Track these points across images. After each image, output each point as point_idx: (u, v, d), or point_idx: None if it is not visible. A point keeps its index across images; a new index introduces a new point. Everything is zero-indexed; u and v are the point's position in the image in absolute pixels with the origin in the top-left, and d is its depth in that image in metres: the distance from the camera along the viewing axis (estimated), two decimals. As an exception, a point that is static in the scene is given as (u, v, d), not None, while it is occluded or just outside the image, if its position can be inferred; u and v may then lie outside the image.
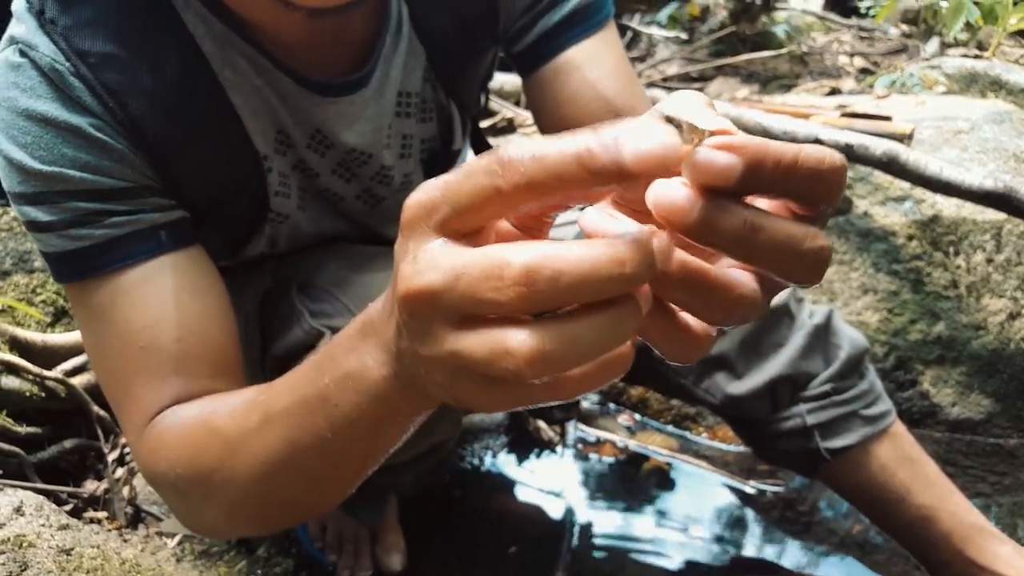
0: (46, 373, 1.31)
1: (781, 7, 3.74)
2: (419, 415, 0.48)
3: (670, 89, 2.94)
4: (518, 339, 0.34)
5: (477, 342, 0.35)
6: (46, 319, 1.47)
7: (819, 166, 0.34)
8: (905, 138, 1.51)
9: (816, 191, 0.35)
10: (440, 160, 0.97)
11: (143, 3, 0.70)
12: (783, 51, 3.13)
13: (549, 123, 0.91)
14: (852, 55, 3.64)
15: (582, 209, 0.40)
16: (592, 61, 0.87)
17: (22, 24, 0.69)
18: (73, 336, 1.42)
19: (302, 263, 0.92)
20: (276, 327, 0.88)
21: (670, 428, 1.48)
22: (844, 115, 1.61)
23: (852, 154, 1.45)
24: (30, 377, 1.30)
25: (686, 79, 3.13)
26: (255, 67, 0.76)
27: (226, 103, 0.76)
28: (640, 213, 0.40)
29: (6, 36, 0.71)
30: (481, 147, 1.12)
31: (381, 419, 0.48)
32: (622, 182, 0.32)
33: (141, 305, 0.70)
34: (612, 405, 1.53)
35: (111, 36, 0.69)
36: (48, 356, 1.37)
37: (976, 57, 3.33)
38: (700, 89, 3.08)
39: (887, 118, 1.61)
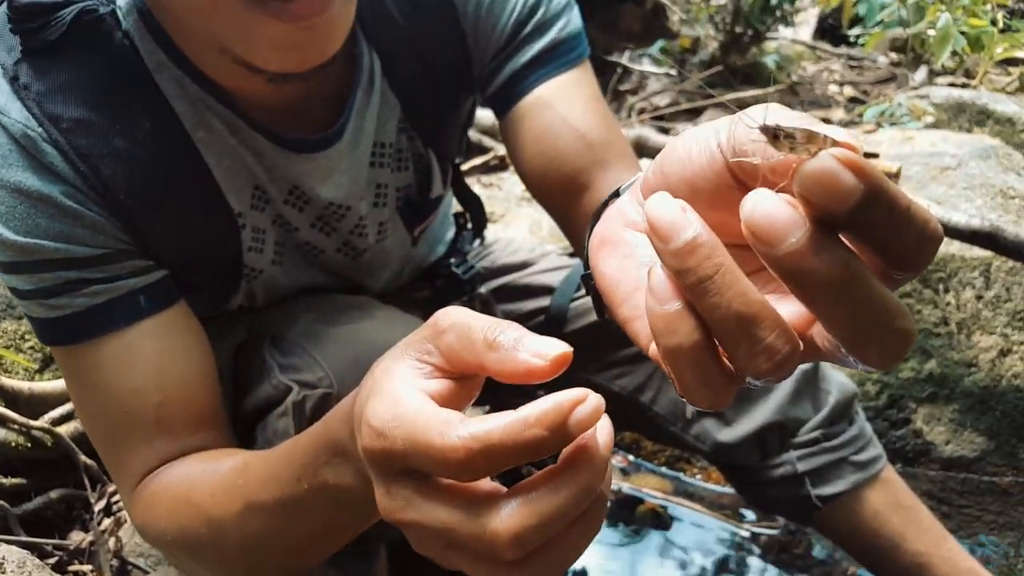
0: (33, 423, 1.30)
1: (771, 36, 3.78)
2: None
3: (662, 123, 2.96)
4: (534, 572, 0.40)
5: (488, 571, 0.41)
6: (34, 366, 1.46)
7: (925, 226, 0.32)
8: (892, 176, 1.51)
9: (911, 252, 0.32)
10: (417, 207, 0.96)
11: (117, 67, 0.71)
12: (771, 89, 3.15)
13: (524, 159, 0.88)
14: (842, 84, 3.67)
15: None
16: (563, 97, 0.86)
17: None
18: (60, 383, 1.41)
19: (275, 316, 0.91)
20: (249, 381, 0.88)
21: (664, 470, 1.47)
22: (831, 153, 1.61)
23: (839, 193, 1.45)
24: (16, 427, 1.29)
25: (678, 111, 3.15)
26: (229, 127, 0.76)
27: (200, 163, 0.76)
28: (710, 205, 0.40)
29: None
30: (463, 192, 1.12)
31: (361, 518, 0.53)
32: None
33: (124, 371, 0.71)
34: (604, 446, 1.52)
35: (84, 100, 0.69)
36: (36, 404, 1.36)
37: (964, 85, 3.37)
38: (689, 120, 3.11)
39: (875, 155, 1.61)
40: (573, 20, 0.88)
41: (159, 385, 0.71)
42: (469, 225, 1.17)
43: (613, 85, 2.75)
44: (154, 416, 0.71)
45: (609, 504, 1.39)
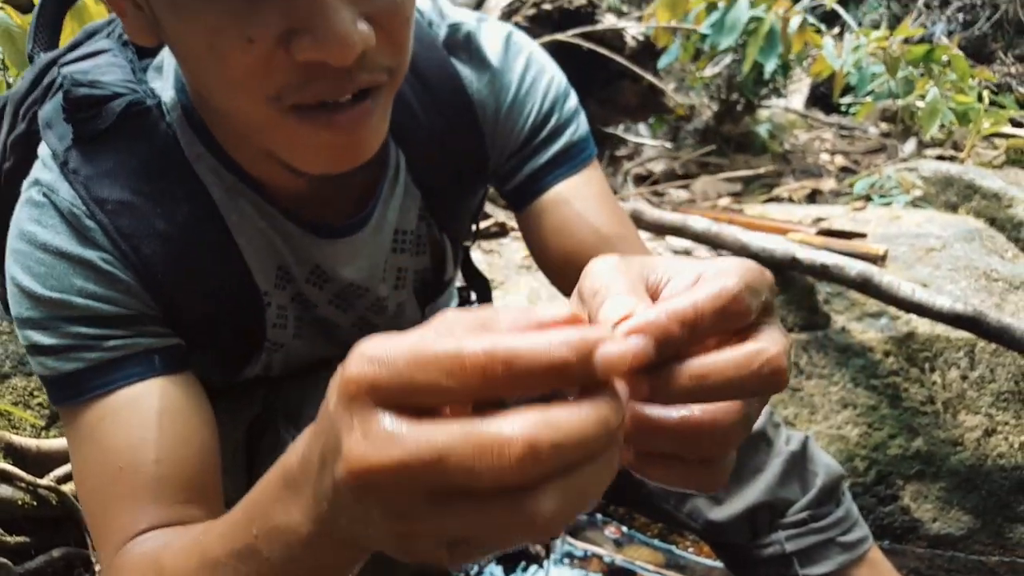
0: (39, 482, 1.33)
1: (765, 105, 3.89)
2: (355, 564, 0.48)
3: (657, 190, 3.04)
4: (544, 508, 0.35)
5: (486, 518, 0.35)
6: (40, 422, 1.49)
7: (717, 303, 0.39)
8: (879, 259, 1.58)
9: (731, 320, 0.39)
10: (432, 287, 1.02)
11: (158, 155, 0.76)
12: (761, 170, 3.23)
13: (543, 251, 0.95)
14: (833, 153, 3.77)
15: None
16: (578, 195, 0.92)
17: (47, 170, 0.75)
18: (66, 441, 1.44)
19: (291, 392, 0.95)
20: (263, 455, 0.91)
21: (656, 542, 1.50)
22: (820, 233, 1.68)
23: (828, 274, 1.51)
24: (23, 485, 1.32)
25: (672, 177, 3.23)
26: (261, 213, 0.81)
27: (232, 244, 0.81)
28: None
29: (31, 178, 0.76)
30: (471, 272, 1.17)
31: (314, 569, 0.47)
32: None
33: (125, 425, 0.72)
34: (599, 516, 1.55)
35: (128, 185, 0.74)
36: (42, 462, 1.39)
37: (952, 158, 3.47)
38: (685, 187, 3.19)
39: (862, 235, 1.68)
40: (582, 124, 0.94)
41: (158, 443, 0.72)
42: (473, 299, 1.21)
43: (610, 152, 2.83)
44: (149, 477, 0.71)
45: None
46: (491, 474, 0.34)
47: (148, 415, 0.72)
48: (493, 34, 0.89)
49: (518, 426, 0.34)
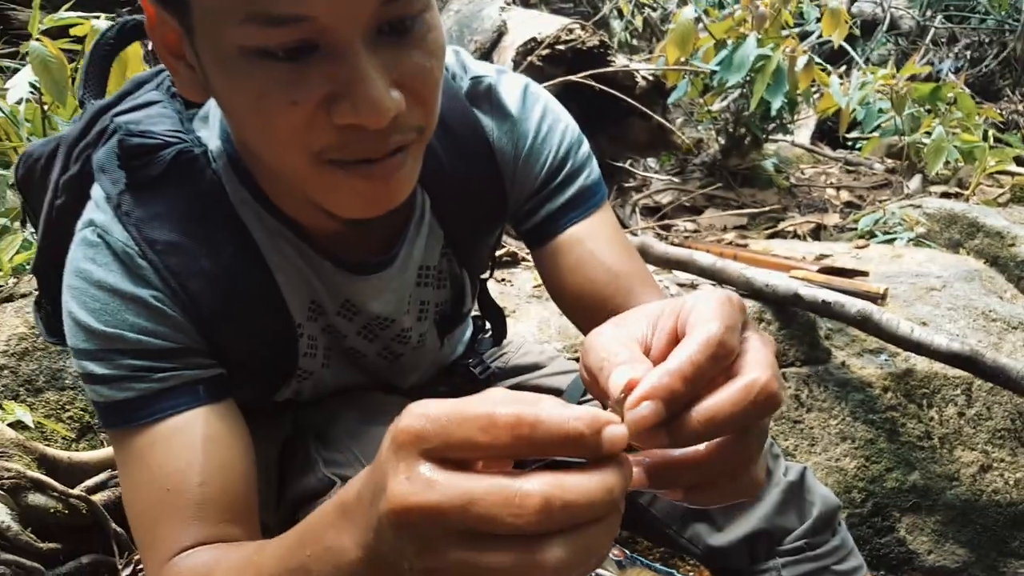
0: (71, 492, 1.39)
1: (773, 139, 3.96)
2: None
3: (665, 221, 3.11)
4: (552, 556, 0.41)
5: (503, 559, 0.42)
6: (71, 435, 1.56)
7: (708, 351, 0.46)
8: (879, 297, 1.63)
9: (722, 361, 0.46)
10: (451, 319, 1.08)
11: (205, 200, 0.82)
12: (766, 205, 3.29)
13: (559, 287, 1.01)
14: (839, 188, 3.83)
15: None
16: (592, 235, 0.99)
17: (100, 212, 0.81)
18: (96, 454, 1.51)
19: (319, 413, 1.01)
20: (293, 473, 0.97)
21: (658, 566, 1.55)
22: (823, 270, 1.74)
23: (829, 310, 1.57)
24: (55, 495, 1.38)
25: (680, 208, 3.30)
26: (299, 252, 0.88)
27: (271, 282, 0.87)
28: None
29: (85, 218, 0.82)
30: (487, 303, 1.24)
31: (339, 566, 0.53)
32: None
33: (173, 451, 0.78)
34: (603, 538, 1.60)
35: (176, 227, 0.80)
36: (73, 472, 1.45)
37: (957, 195, 3.53)
38: (691, 218, 3.26)
39: (864, 273, 1.74)
40: (594, 169, 1.01)
41: (203, 468, 0.78)
42: (487, 327, 1.28)
43: (619, 184, 2.90)
44: (194, 498, 0.77)
45: (606, 596, 1.46)
46: (510, 521, 0.40)
47: (193, 442, 0.78)
48: (512, 86, 0.96)
49: (537, 484, 0.41)
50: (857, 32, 4.44)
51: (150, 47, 0.81)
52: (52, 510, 1.38)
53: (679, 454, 0.49)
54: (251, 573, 0.65)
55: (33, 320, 1.62)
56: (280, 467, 1.01)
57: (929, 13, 5.48)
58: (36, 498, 1.37)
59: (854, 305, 1.55)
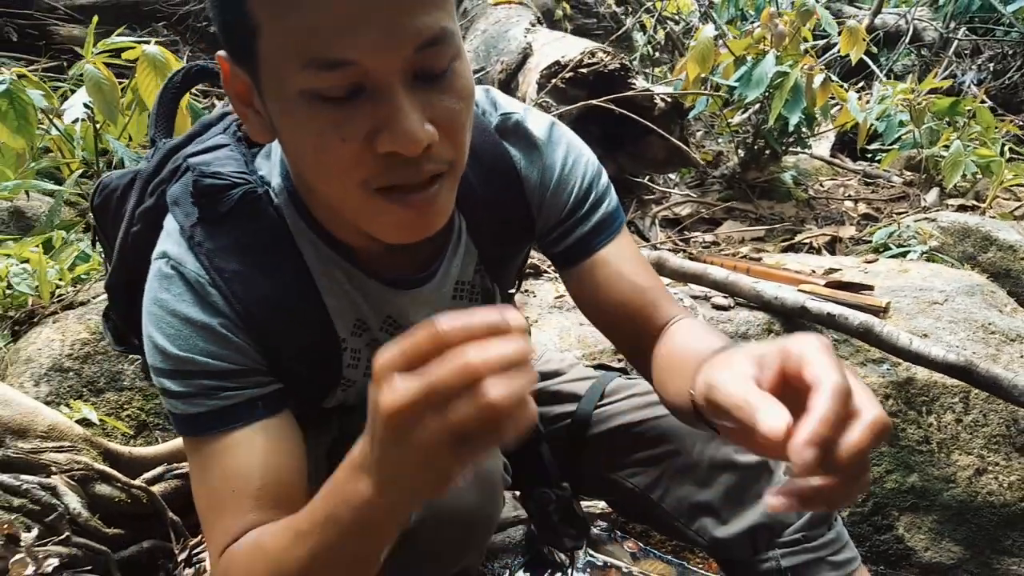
0: (132, 482, 1.53)
1: (792, 151, 4.04)
2: (401, 519, 0.72)
3: (684, 233, 3.21)
4: (496, 391, 0.58)
5: (466, 408, 0.58)
6: (130, 431, 1.70)
7: (844, 399, 0.62)
8: (881, 311, 1.73)
9: (848, 406, 0.63)
10: None
11: (266, 234, 0.94)
12: (784, 217, 3.37)
13: (590, 305, 1.15)
14: (856, 201, 3.90)
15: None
16: (617, 257, 1.11)
17: (174, 244, 0.93)
18: (153, 449, 1.65)
19: (362, 419, 1.13)
20: None
21: (670, 558, 1.66)
22: (829, 284, 1.84)
23: (834, 323, 1.67)
24: (119, 485, 1.52)
25: (699, 220, 3.40)
26: (347, 276, 1.00)
27: (320, 304, 0.99)
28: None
29: (160, 250, 0.94)
30: None
31: (374, 523, 0.71)
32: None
33: (236, 460, 0.91)
34: (619, 533, 1.72)
35: (241, 257, 0.92)
36: (134, 466, 1.59)
37: (973, 208, 3.58)
38: (710, 230, 3.35)
39: (870, 287, 1.84)
40: (614, 196, 1.13)
41: (262, 473, 0.91)
42: None
43: (638, 197, 3.01)
44: (253, 495, 0.90)
45: (621, 586, 1.57)
46: (460, 380, 0.57)
47: (254, 452, 0.91)
48: (538, 122, 1.08)
49: (471, 353, 0.58)
50: (875, 49, 4.49)
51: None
52: (116, 499, 1.52)
53: (824, 481, 0.63)
54: (291, 534, 0.80)
55: (95, 326, 1.77)
56: (328, 466, 1.13)
57: (953, 25, 5.52)
58: (102, 488, 1.51)
59: (857, 318, 1.65)
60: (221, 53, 0.82)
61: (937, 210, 3.48)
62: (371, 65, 0.71)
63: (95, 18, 2.44)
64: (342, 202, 0.82)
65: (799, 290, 1.81)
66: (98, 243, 1.21)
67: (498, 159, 1.06)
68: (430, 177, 0.80)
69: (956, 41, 5.34)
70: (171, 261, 0.92)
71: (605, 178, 1.13)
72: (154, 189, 1.01)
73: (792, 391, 0.66)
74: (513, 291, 1.30)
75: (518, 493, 1.38)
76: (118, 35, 2.36)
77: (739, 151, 3.74)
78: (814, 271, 2.02)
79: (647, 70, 4.49)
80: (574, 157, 1.09)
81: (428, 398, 0.59)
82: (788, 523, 1.26)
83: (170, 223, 0.95)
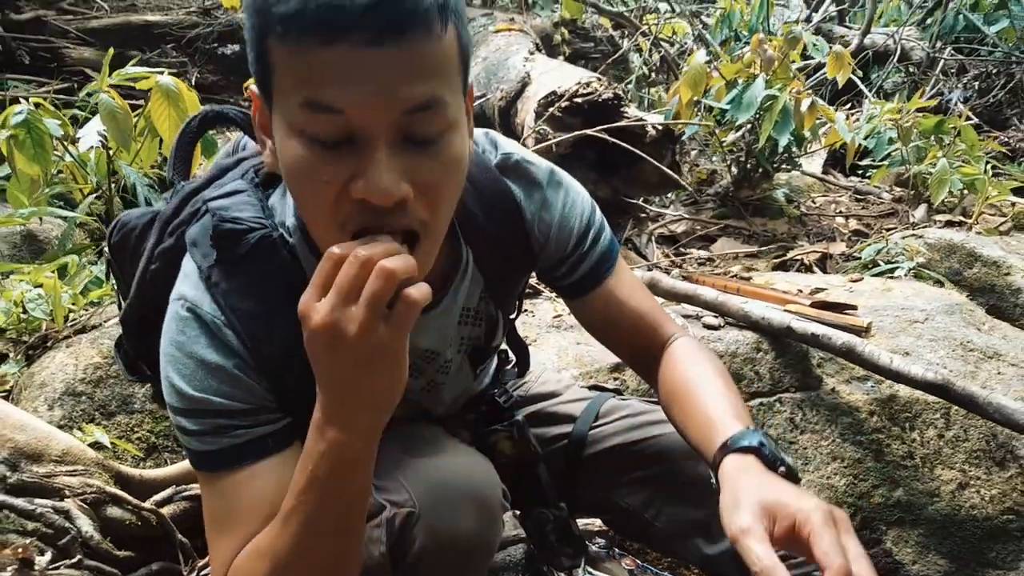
0: (143, 505, 1.58)
1: (786, 168, 4.12)
2: (372, 447, 0.86)
3: (679, 250, 3.28)
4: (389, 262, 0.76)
5: (371, 285, 0.76)
6: (140, 454, 1.76)
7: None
8: (863, 330, 1.80)
9: None
10: (483, 351, 1.25)
11: (280, 275, 0.99)
12: (776, 234, 3.44)
13: (600, 329, 1.25)
14: (847, 217, 3.98)
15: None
16: (620, 285, 1.21)
17: (191, 286, 0.96)
18: (163, 471, 1.70)
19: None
20: None
21: (666, 574, 1.71)
22: (814, 304, 1.91)
23: (818, 342, 1.74)
24: (130, 508, 1.57)
25: (693, 237, 3.47)
26: None
27: None
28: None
29: (178, 291, 0.97)
30: (514, 340, 1.41)
31: (348, 464, 0.84)
32: None
33: (247, 494, 0.97)
34: (617, 550, 1.77)
35: (256, 298, 0.97)
36: (144, 488, 1.65)
37: (961, 223, 3.66)
38: (705, 247, 3.42)
39: (853, 307, 1.90)
40: (608, 228, 1.20)
41: (272, 504, 0.95)
42: (512, 358, 1.45)
43: (634, 216, 3.09)
44: (259, 523, 0.95)
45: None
46: (362, 270, 0.76)
47: (263, 487, 0.97)
48: (538, 165, 1.14)
49: (360, 251, 0.77)
50: (859, 74, 4.57)
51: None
52: (127, 522, 1.57)
53: None
54: (278, 520, 0.90)
55: (107, 350, 1.83)
56: None
57: (939, 45, 5.62)
58: (114, 511, 1.56)
59: (840, 338, 1.71)
60: (253, 87, 0.88)
61: (925, 226, 3.55)
62: (358, 118, 0.77)
63: (111, 50, 2.51)
64: (324, 242, 0.86)
65: (785, 310, 1.87)
66: (111, 276, 1.27)
67: (500, 195, 1.12)
68: (403, 239, 0.84)
69: (942, 60, 5.44)
70: (188, 303, 0.96)
71: (599, 213, 1.21)
72: (174, 230, 1.06)
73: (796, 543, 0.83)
74: (514, 316, 1.36)
75: (518, 512, 1.43)
76: (132, 65, 2.44)
77: (732, 170, 3.82)
78: (800, 290, 2.09)
79: (643, 91, 4.57)
80: (573, 196, 1.16)
81: (344, 297, 0.74)
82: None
83: (188, 264, 1.00)
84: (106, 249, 1.26)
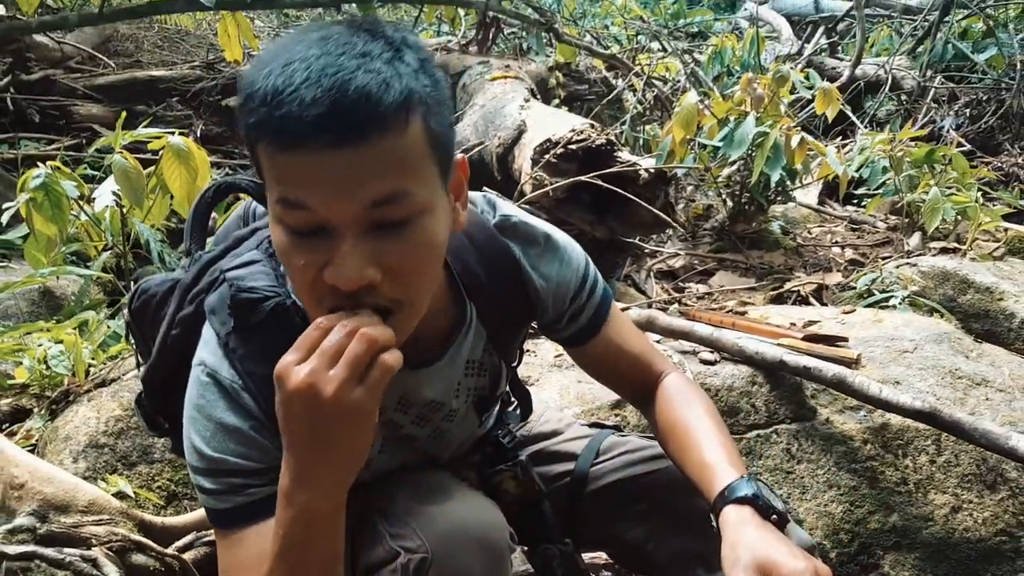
0: (166, 551, 1.65)
1: (780, 201, 4.20)
2: (335, 516, 0.93)
3: (678, 284, 3.35)
4: (371, 330, 0.85)
5: (352, 348, 0.84)
6: (161, 502, 1.83)
7: None
8: (853, 362, 1.87)
9: None
10: (487, 400, 1.32)
11: (294, 339, 0.99)
12: (773, 266, 3.51)
13: (600, 372, 1.35)
14: (843, 247, 4.05)
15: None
16: (616, 330, 1.30)
17: (211, 352, 1.02)
18: (183, 518, 1.77)
19: (381, 494, 1.20)
20: (364, 545, 1.16)
21: (669, 603, 1.76)
22: (806, 338, 1.98)
23: (810, 374, 1.81)
24: (153, 554, 1.64)
25: (692, 271, 3.55)
26: None
27: None
28: None
29: (199, 357, 1.04)
30: (516, 387, 1.47)
31: (321, 519, 0.92)
32: None
33: (254, 550, 1.02)
34: (620, 581, 1.82)
35: (271, 362, 0.98)
36: (166, 535, 1.71)
37: (955, 250, 3.72)
38: (703, 280, 3.50)
39: (844, 339, 1.97)
40: (600, 277, 1.27)
41: None
42: (514, 402, 1.52)
43: (633, 252, 3.17)
44: None
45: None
46: (345, 337, 0.84)
47: (268, 544, 1.02)
48: (535, 226, 1.21)
49: (347, 323, 0.86)
50: (848, 107, 4.66)
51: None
52: (152, 568, 1.63)
53: None
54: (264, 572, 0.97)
55: (127, 403, 1.91)
56: (352, 537, 1.24)
57: (929, 73, 5.74)
58: (138, 558, 1.63)
59: (830, 370, 1.78)
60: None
61: (920, 254, 3.62)
62: (324, 213, 0.85)
63: (123, 113, 2.62)
64: (310, 315, 0.94)
65: (778, 344, 1.94)
66: (131, 337, 1.34)
67: (499, 253, 1.19)
68: (378, 313, 0.91)
69: (933, 88, 5.55)
70: (208, 369, 1.04)
71: (591, 263, 1.28)
72: (193, 298, 1.12)
73: None
74: (516, 363, 1.42)
75: (525, 548, 1.49)
76: (143, 122, 2.55)
77: (728, 204, 3.91)
78: (793, 324, 2.16)
79: (638, 130, 4.69)
80: (568, 253, 1.23)
81: (328, 361, 0.81)
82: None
83: (207, 332, 1.06)
84: (126, 312, 1.32)
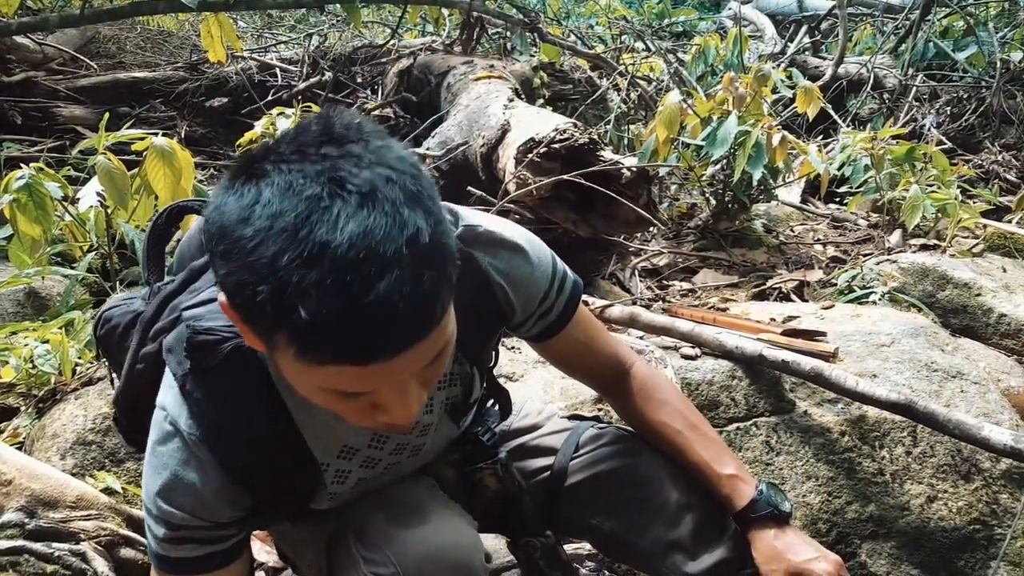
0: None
1: (763, 199, 4.25)
2: None
3: (662, 282, 3.39)
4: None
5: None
6: (148, 498, 1.84)
7: None
8: (830, 356, 1.90)
9: None
10: (461, 407, 1.31)
11: (251, 384, 1.04)
12: (756, 263, 3.56)
13: (567, 365, 1.40)
14: (825, 244, 4.10)
15: None
16: (582, 324, 1.32)
17: (173, 398, 1.02)
18: (172, 513, 1.79)
19: (357, 511, 1.22)
20: (339, 566, 1.19)
21: (652, 594, 1.79)
22: (785, 332, 2.02)
23: (788, 368, 1.84)
24: (141, 548, 1.66)
25: (676, 270, 3.58)
26: (328, 411, 1.05)
27: (299, 437, 1.09)
28: None
29: (161, 400, 1.04)
30: (493, 387, 1.47)
31: None
32: None
33: None
34: (606, 572, 1.85)
35: (227, 406, 1.02)
36: (154, 531, 1.73)
37: (935, 247, 3.78)
38: (687, 278, 3.53)
39: (823, 333, 2.01)
40: (568, 273, 1.29)
41: None
42: (491, 401, 1.51)
43: (617, 251, 3.20)
44: None
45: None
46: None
47: None
48: (499, 232, 1.19)
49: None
50: (828, 105, 4.71)
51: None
52: (140, 562, 1.66)
53: None
54: None
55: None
56: (328, 558, 1.24)
57: (911, 72, 5.80)
58: (127, 552, 1.65)
59: (808, 363, 1.82)
60: (222, 298, 0.86)
61: (900, 251, 3.67)
62: (391, 387, 0.89)
63: (106, 115, 2.63)
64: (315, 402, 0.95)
65: (758, 339, 1.98)
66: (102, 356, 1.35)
67: (466, 263, 1.14)
68: None
69: (915, 87, 5.61)
70: (169, 417, 1.03)
71: (559, 262, 1.28)
72: (155, 335, 1.11)
73: None
74: (492, 364, 1.42)
75: (508, 540, 1.51)
76: (126, 124, 2.55)
77: (711, 202, 3.94)
78: (773, 319, 2.20)
79: (622, 129, 4.72)
80: (538, 254, 1.23)
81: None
82: (750, 555, 1.39)
83: (168, 376, 1.05)
84: (93, 338, 1.34)
